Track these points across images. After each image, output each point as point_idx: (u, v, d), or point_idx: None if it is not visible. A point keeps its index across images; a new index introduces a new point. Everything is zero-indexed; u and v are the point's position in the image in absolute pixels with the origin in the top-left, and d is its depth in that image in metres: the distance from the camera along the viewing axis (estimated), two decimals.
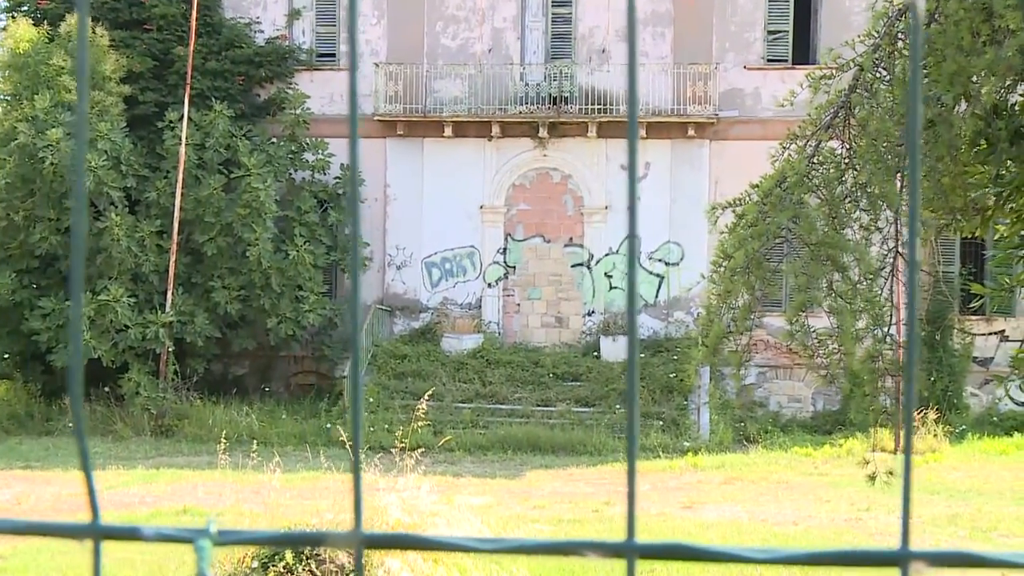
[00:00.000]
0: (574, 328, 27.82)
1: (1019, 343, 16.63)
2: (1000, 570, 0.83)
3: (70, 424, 24.31)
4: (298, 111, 27.16)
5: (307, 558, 11.40)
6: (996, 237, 9.93)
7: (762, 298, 9.42)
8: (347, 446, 14.35)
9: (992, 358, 25.95)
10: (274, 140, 26.85)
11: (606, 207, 27.74)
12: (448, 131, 27.64)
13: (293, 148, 26.97)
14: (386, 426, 22.74)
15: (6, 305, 24.67)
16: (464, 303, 28.09)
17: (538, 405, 24.63)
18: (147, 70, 27.23)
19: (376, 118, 27.91)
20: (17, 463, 20.57)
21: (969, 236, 10.93)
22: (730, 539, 13.84)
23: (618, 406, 24.29)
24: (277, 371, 27.90)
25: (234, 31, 28.12)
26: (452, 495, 16.53)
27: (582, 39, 28.40)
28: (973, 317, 24.95)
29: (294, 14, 28.85)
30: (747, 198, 8.94)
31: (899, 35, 8.43)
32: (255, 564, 10.96)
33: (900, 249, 9.27)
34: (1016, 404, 25.38)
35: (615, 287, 27.78)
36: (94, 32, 25.65)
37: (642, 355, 26.06)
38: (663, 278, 27.67)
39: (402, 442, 15.92)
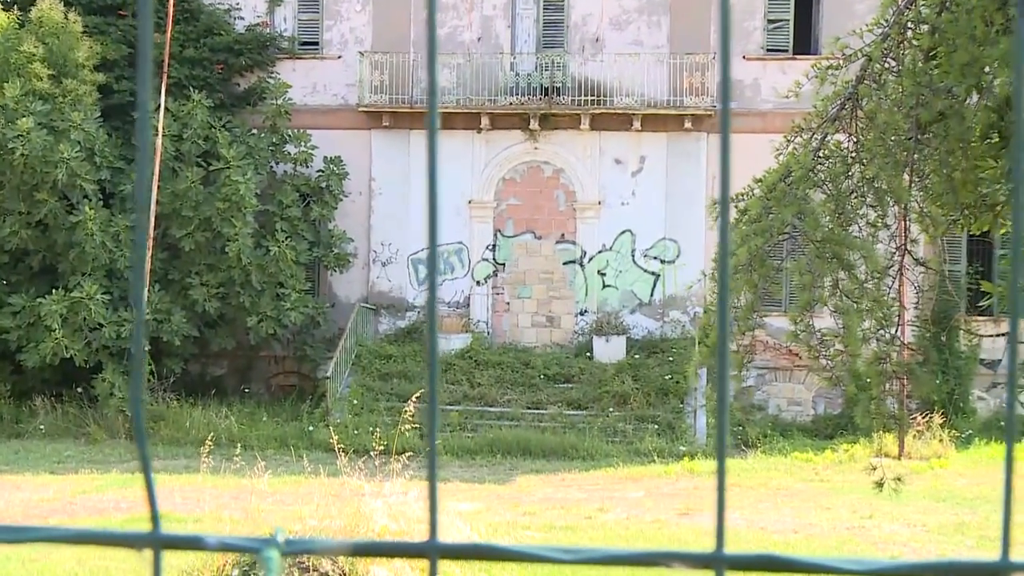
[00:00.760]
0: (566, 328, 27.81)
1: None
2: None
3: (41, 427, 24.23)
4: (279, 101, 27.09)
5: (289, 566, 11.38)
6: (1003, 232, 9.93)
7: (763, 297, 9.41)
8: (336, 449, 14.29)
9: (1000, 360, 26.01)
10: (254, 131, 26.78)
11: (599, 202, 27.74)
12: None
13: (274, 140, 26.91)
14: (371, 429, 22.69)
15: None
16: (452, 302, 28.07)
17: (528, 408, 24.62)
18: (122, 58, 27.15)
19: (361, 109, 27.88)
20: None
21: (977, 234, 10.92)
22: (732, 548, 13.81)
23: (611, 409, 24.29)
24: (257, 372, 27.84)
25: (213, 18, 28.04)
26: (441, 503, 16.51)
27: (575, 27, 28.39)
28: (980, 318, 24.99)
29: (275, 0, 28.78)
30: (750, 193, 8.93)
31: (908, 24, 8.42)
32: (235, 572, 10.93)
33: (908, 246, 9.27)
34: None
35: (608, 285, 27.79)
36: (66, 18, 25.56)
37: (636, 356, 26.07)
38: (658, 276, 27.68)
39: (387, 445, 15.90)
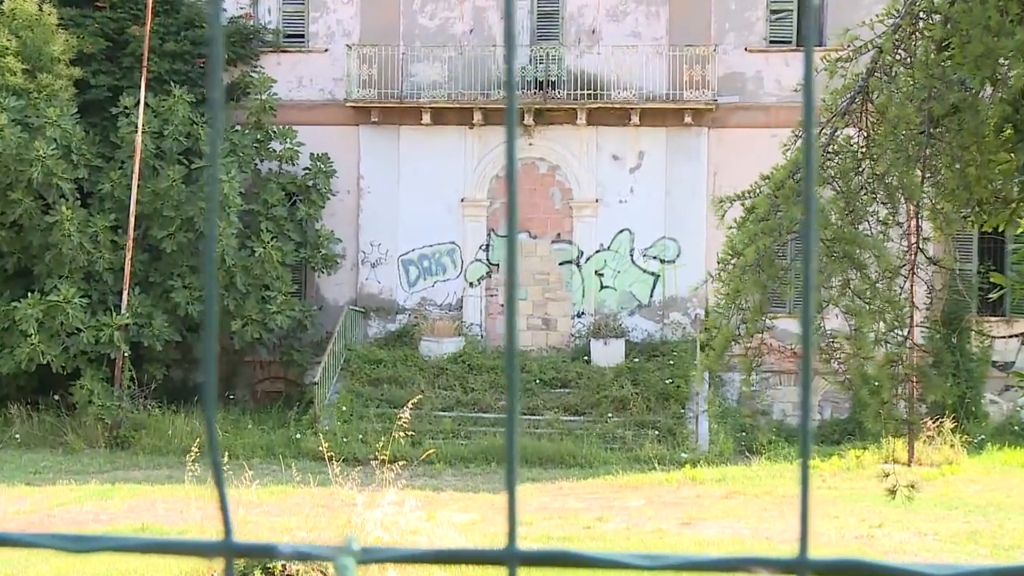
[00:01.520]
0: (562, 331, 27.82)
1: None
2: None
3: (16, 436, 24.18)
4: (264, 96, 27.07)
5: (254, 567, 11.45)
6: (1020, 231, 9.96)
7: (774, 297, 9.43)
8: (325, 458, 14.28)
9: (1013, 362, 25.99)
10: (238, 128, 26.76)
11: (596, 200, 27.75)
12: (426, 118, 27.60)
13: (259, 136, 26.89)
14: (360, 436, 22.74)
15: None
16: (444, 304, 28.06)
17: (524, 414, 24.60)
18: (99, 51, 27.11)
19: (348, 104, 27.87)
20: None
21: (990, 231, 10.95)
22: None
23: (610, 415, 24.31)
24: (242, 377, 27.82)
25: (194, 9, 28.01)
26: (433, 511, 16.51)
27: (570, 19, 28.41)
28: (992, 318, 25.04)
29: None
30: (757, 190, 8.94)
31: (920, 14, 8.44)
32: None
33: (920, 244, 9.29)
34: None
35: (606, 286, 27.80)
36: (40, 9, 25.52)
37: (636, 359, 26.08)
38: (658, 276, 27.70)
39: (381, 454, 15.89)
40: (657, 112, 27.23)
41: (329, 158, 27.41)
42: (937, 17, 8.61)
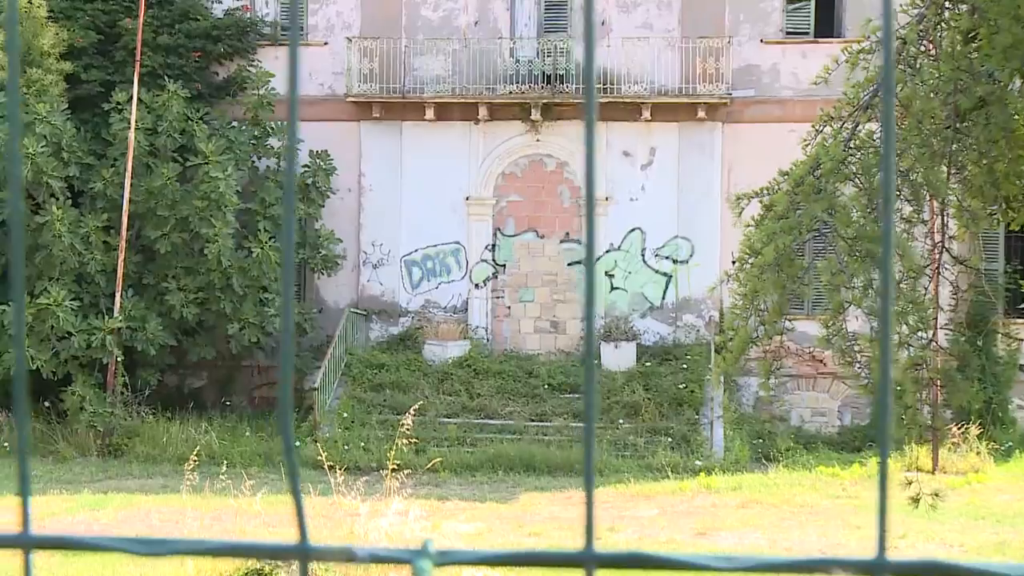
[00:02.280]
0: (571, 334, 27.82)
1: None
2: None
3: (5, 444, 24.20)
4: (261, 91, 27.09)
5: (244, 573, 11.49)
6: None
7: (791, 299, 9.42)
8: (326, 466, 14.29)
9: None
10: (235, 124, 26.80)
11: (607, 198, 27.73)
12: (429, 114, 27.61)
13: (256, 133, 26.92)
14: (362, 444, 22.75)
15: None
16: (448, 306, 28.07)
17: (532, 420, 24.63)
18: (91, 45, 27.14)
19: (349, 99, 27.89)
20: None
21: (1017, 229, 10.93)
22: None
23: (621, 421, 24.30)
24: (239, 383, 27.84)
25: (189, 1, 28.05)
26: (438, 521, 16.53)
27: (579, 10, 28.38)
28: (1020, 320, 24.99)
29: None
30: (776, 187, 8.94)
31: (946, 3, 8.43)
32: None
33: (946, 243, 9.28)
34: None
35: (617, 288, 27.80)
36: (30, 2, 25.54)
37: (648, 363, 26.08)
38: (671, 277, 27.70)
39: (384, 462, 15.90)
40: (669, 107, 27.23)
41: (329, 155, 27.43)
42: (964, 7, 8.61)
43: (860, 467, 22.07)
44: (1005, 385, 25.48)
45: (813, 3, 28.01)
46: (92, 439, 24.03)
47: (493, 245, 28.12)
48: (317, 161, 27.27)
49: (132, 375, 25.23)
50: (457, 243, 28.14)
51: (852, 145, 8.82)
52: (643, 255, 27.78)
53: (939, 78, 8.54)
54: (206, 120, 26.23)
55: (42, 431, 24.53)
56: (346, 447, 22.47)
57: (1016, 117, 8.28)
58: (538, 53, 27.86)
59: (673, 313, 27.63)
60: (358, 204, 28.36)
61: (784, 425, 26.10)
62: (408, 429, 16.27)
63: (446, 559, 0.79)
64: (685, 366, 25.70)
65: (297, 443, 23.49)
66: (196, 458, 16.50)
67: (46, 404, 24.83)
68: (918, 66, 8.67)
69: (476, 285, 28.10)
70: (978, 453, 21.83)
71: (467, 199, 28.03)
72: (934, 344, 9.63)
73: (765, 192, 9.10)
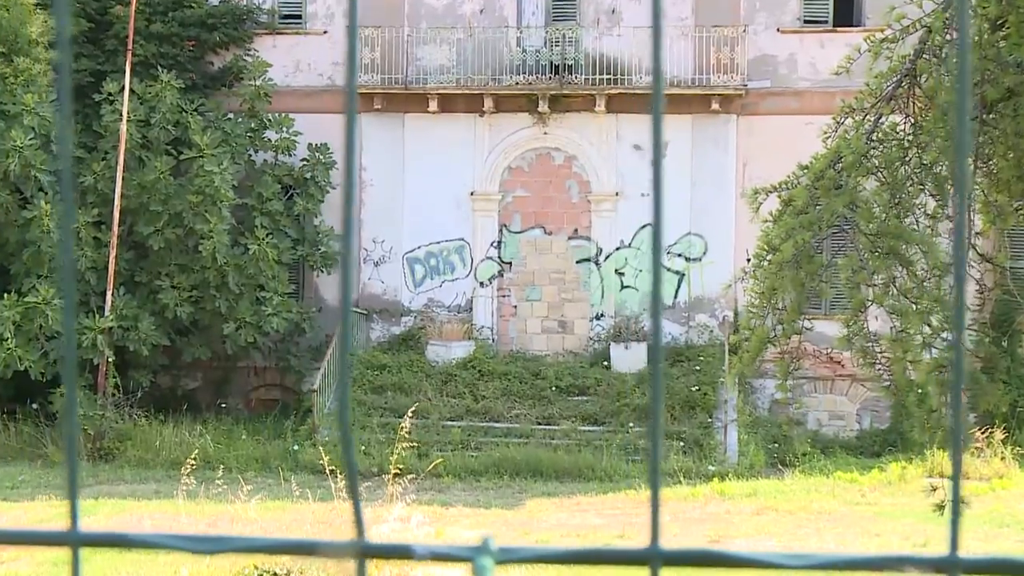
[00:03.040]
0: (580, 334, 27.81)
1: None
2: None
3: None
4: (258, 82, 27.09)
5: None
6: None
7: (809, 298, 9.42)
8: (325, 471, 14.30)
9: None
10: (230, 116, 26.79)
11: (616, 193, 27.74)
12: (433, 105, 27.61)
13: (253, 125, 26.91)
14: (363, 448, 22.75)
15: None
16: (452, 305, 28.07)
17: (539, 423, 24.63)
18: (81, 33, 27.14)
19: None
20: None
21: None
22: None
23: (631, 424, 24.30)
24: (235, 385, 27.85)
25: None
26: (441, 528, 16.55)
27: None
28: None
29: None
30: (795, 181, 8.93)
31: None
32: None
33: (972, 240, 9.28)
34: None
35: (627, 286, 27.79)
36: None
37: None
38: (683, 275, 27.68)
39: (384, 466, 15.91)
40: (682, 98, 27.18)
41: (328, 148, 27.41)
42: None
43: (879, 473, 22.05)
44: None
45: None
46: (82, 443, 24.02)
47: (499, 242, 28.12)
48: (316, 155, 27.25)
49: (124, 376, 25.24)
50: (461, 240, 28.13)
51: (875, 138, 8.82)
52: None
53: None
54: (201, 112, 26.23)
55: (30, 434, 24.57)
56: None
57: None
58: (546, 42, 27.86)
59: (686, 313, 27.61)
60: (359, 199, 28.35)
61: (800, 429, 26.09)
62: (408, 432, 16.28)
63: (507, 556, 0.79)
64: (698, 367, 25.69)
65: (295, 446, 23.53)
66: (192, 462, 16.52)
67: (34, 406, 24.86)
68: (944, 55, 8.66)
69: (481, 283, 28.09)
70: (1003, 458, 21.80)
71: (472, 194, 28.03)
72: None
73: (784, 186, 9.09)
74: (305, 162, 27.28)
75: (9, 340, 23.75)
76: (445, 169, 27.80)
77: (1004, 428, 22.73)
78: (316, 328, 26.95)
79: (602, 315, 27.74)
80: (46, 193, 24.68)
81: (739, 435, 24.06)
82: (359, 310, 27.93)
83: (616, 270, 27.82)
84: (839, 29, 27.13)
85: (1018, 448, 22.62)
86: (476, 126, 27.93)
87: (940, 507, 9.52)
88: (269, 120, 26.98)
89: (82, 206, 25.20)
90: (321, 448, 19.66)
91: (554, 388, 25.64)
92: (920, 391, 9.10)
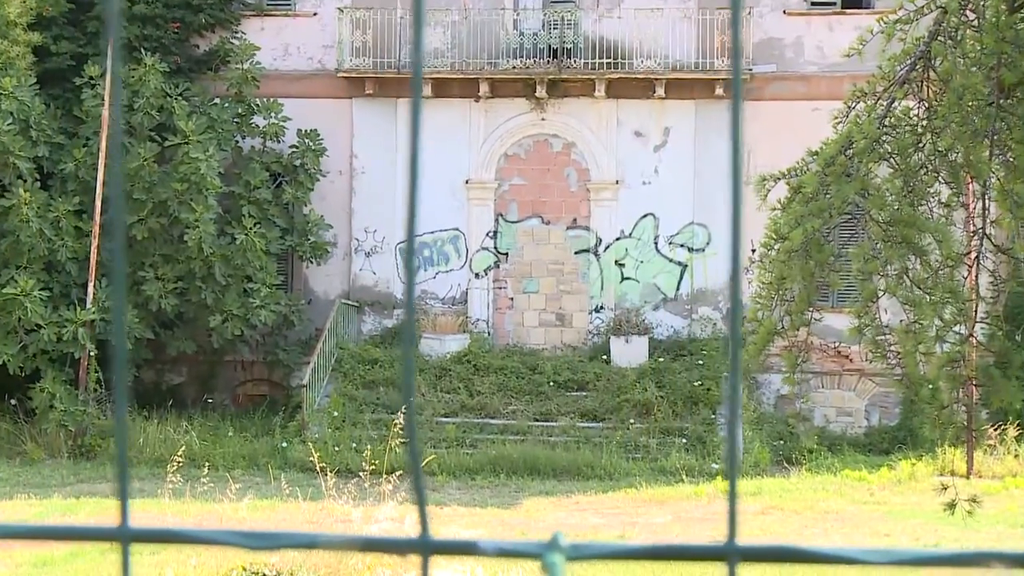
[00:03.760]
0: (578, 327, 27.83)
1: None
2: None
3: None
4: (246, 66, 27.07)
5: None
6: None
7: (821, 287, 9.41)
8: (316, 469, 14.30)
9: None
10: (217, 101, 26.76)
11: (616, 182, 27.75)
12: (427, 90, 27.58)
13: (240, 110, 26.89)
14: (354, 445, 22.75)
15: None
16: (447, 297, 28.07)
17: (536, 420, 24.65)
18: (61, 14, 27.11)
19: (340, 75, 27.86)
20: None
21: None
22: None
23: (632, 420, 24.32)
24: (221, 379, 27.85)
25: None
26: (436, 528, 16.53)
27: None
28: None
29: None
30: (804, 168, 8.92)
31: None
32: None
33: (987, 230, 9.26)
34: None
35: (627, 278, 27.80)
36: None
37: (660, 359, 26.08)
38: (686, 267, 27.69)
39: (374, 464, 15.90)
40: (685, 83, 27.20)
41: (319, 135, 27.39)
42: None
43: (889, 471, 22.09)
44: None
45: None
46: (63, 439, 24.03)
47: (495, 232, 28.11)
48: (306, 141, 27.21)
49: (106, 371, 25.22)
50: (456, 230, 28.12)
51: (887, 123, 8.80)
52: (656, 243, 27.77)
53: (982, 50, 8.52)
54: (186, 96, 26.19)
55: (8, 431, 24.57)
56: (336, 448, 22.47)
57: None
58: (544, 25, 27.83)
59: (688, 305, 27.63)
60: (350, 187, 28.34)
61: (807, 425, 26.09)
62: (401, 429, 16.27)
63: (579, 553, 0.79)
64: (701, 362, 25.71)
65: (284, 443, 23.52)
66: (177, 459, 16.50)
67: (13, 402, 24.86)
68: (959, 37, 8.65)
69: (476, 275, 28.09)
70: (1016, 456, 21.85)
71: (467, 182, 28.02)
72: (972, 339, 9.62)
73: (792, 173, 9.08)
74: (294, 149, 27.26)
75: None
76: (439, 156, 27.75)
77: (1018, 425, 22.75)
78: (305, 321, 26.95)
79: (602, 307, 27.75)
80: (24, 181, 24.65)
81: (744, 432, 24.07)
82: (350, 302, 27.92)
83: (616, 261, 27.83)
84: (847, 12, 27.13)
85: None
86: (471, 112, 27.91)
87: (951, 506, 9.51)
88: (257, 105, 26.95)
89: (62, 194, 25.18)
90: (311, 445, 19.67)
91: (552, 383, 25.65)
92: (932, 386, 9.09)
